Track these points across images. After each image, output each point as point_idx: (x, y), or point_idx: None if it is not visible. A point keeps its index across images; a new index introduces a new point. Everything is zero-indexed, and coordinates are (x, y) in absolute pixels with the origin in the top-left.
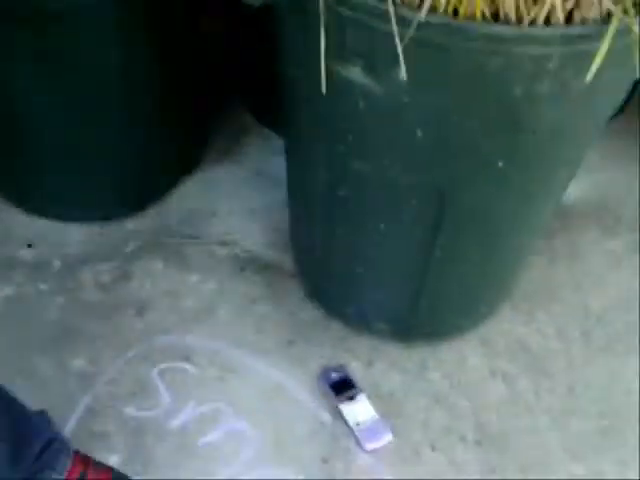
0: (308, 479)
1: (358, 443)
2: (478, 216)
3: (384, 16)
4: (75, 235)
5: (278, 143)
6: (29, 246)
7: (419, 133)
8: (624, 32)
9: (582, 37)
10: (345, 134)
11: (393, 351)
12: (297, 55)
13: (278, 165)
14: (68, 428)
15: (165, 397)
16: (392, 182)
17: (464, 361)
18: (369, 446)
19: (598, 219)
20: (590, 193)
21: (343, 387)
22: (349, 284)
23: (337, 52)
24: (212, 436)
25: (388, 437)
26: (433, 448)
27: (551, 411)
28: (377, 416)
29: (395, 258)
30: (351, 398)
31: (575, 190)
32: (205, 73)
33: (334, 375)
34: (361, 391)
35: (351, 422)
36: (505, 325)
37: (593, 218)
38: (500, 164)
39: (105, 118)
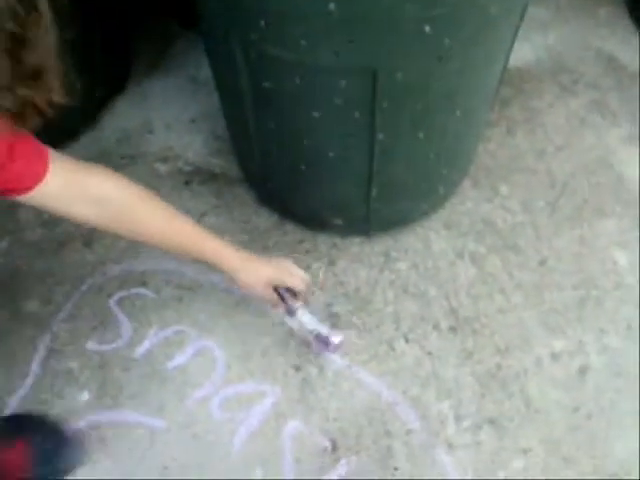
0: (283, 389)
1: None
2: (414, 89)
3: None
4: None
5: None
6: None
7: (332, 7)
8: None
9: None
10: (257, 20)
11: (354, 246)
12: None
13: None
14: (32, 372)
15: (126, 326)
16: (314, 65)
17: (429, 247)
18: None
19: (555, 80)
20: (544, 53)
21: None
22: (295, 183)
23: None
24: (179, 359)
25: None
26: (407, 340)
27: (524, 287)
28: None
29: (336, 146)
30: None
31: (527, 51)
32: None
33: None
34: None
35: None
36: (468, 204)
37: (549, 79)
38: (427, 29)
39: None
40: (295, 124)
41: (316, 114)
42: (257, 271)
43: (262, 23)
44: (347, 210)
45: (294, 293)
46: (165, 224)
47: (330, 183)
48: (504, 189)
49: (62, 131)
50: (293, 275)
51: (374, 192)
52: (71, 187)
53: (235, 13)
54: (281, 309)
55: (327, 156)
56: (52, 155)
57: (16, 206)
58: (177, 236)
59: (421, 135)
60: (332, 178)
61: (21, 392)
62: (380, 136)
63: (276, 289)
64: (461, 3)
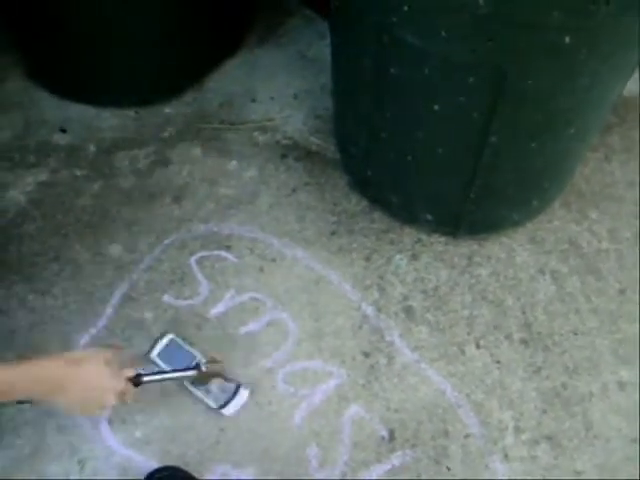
0: (349, 373)
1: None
2: (539, 98)
3: None
4: (109, 120)
5: (322, 26)
6: (63, 131)
7: (481, 2)
8: None
9: None
10: (400, 4)
11: (439, 244)
12: None
13: (322, 49)
14: (105, 315)
15: (204, 286)
16: (448, 58)
17: (512, 258)
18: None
19: None
20: None
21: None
22: (396, 172)
23: None
24: (252, 326)
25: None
26: (478, 345)
27: (600, 313)
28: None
29: (448, 143)
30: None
31: (635, 81)
32: None
33: None
34: None
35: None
36: (556, 222)
37: None
38: (567, 39)
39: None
40: (413, 114)
41: (436, 107)
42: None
43: (405, 8)
44: (441, 207)
45: None
46: None
47: (432, 178)
48: (593, 214)
49: (165, 86)
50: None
51: (473, 194)
52: None
53: (383, 5)
54: None
55: (436, 151)
56: None
57: (113, 151)
58: None
59: (534, 145)
60: (435, 173)
61: (92, 331)
62: (493, 139)
63: None
64: (608, 19)
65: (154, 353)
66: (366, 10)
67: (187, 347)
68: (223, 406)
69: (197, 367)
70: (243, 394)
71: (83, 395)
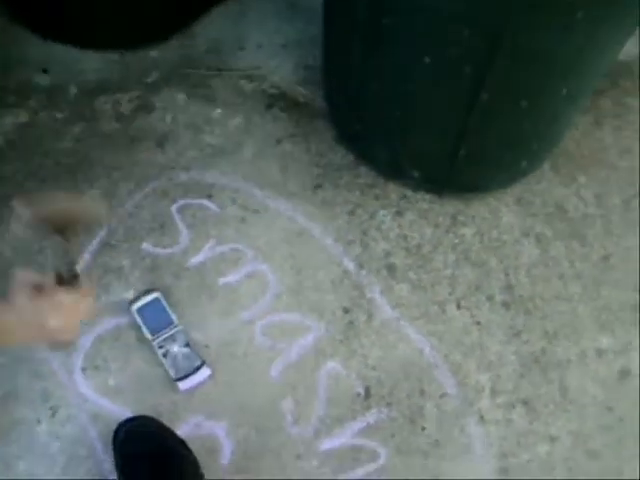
0: (328, 328)
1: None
2: (534, 56)
3: None
4: (93, 62)
5: None
6: (44, 71)
7: None
8: None
9: None
10: None
11: (424, 202)
12: None
13: None
14: (84, 260)
15: (184, 234)
16: (444, 9)
17: (498, 219)
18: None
19: None
20: None
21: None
22: (384, 127)
23: None
24: (232, 277)
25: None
26: (459, 306)
27: (583, 279)
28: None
29: (438, 98)
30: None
31: (631, 46)
32: None
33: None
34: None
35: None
36: (543, 185)
37: None
38: None
39: None
40: (403, 66)
41: (427, 60)
42: None
43: None
44: (428, 164)
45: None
46: None
47: (420, 133)
48: (582, 178)
49: (152, 29)
50: None
51: (462, 152)
52: None
53: None
54: None
55: (425, 106)
56: None
57: (95, 94)
58: None
59: (524, 104)
60: (424, 129)
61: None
62: (484, 96)
63: None
64: None
65: (135, 307)
66: None
67: (169, 310)
68: (180, 379)
69: (187, 345)
70: (204, 372)
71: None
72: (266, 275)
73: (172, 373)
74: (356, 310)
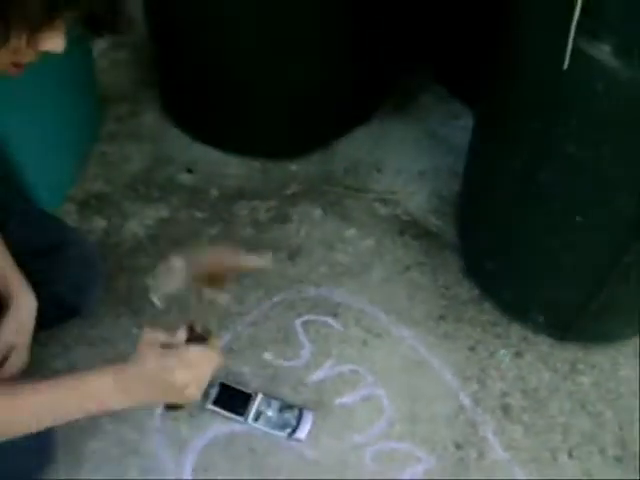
0: (439, 461)
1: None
2: None
3: None
4: (235, 168)
5: (454, 106)
6: (189, 171)
7: None
8: None
9: None
10: (569, 116)
11: (544, 345)
12: (533, 22)
13: (453, 129)
14: None
15: (306, 349)
16: (604, 174)
17: (616, 370)
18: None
19: None
20: None
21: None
22: (518, 271)
23: (588, 27)
24: (348, 398)
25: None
26: (570, 455)
27: None
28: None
29: (581, 255)
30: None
31: None
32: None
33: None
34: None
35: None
36: None
37: None
38: None
39: (292, 53)
40: (551, 221)
41: (579, 219)
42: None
43: (574, 121)
44: (555, 312)
45: None
46: None
47: (554, 284)
48: None
49: (295, 143)
50: None
51: (593, 305)
52: None
53: (549, 106)
54: None
55: (565, 261)
56: None
57: (235, 199)
58: None
59: None
60: (559, 281)
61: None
62: (628, 259)
63: None
64: None
65: (209, 403)
66: (529, 117)
67: (240, 388)
68: (293, 433)
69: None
70: (308, 416)
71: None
72: (382, 401)
73: (283, 434)
74: (468, 447)
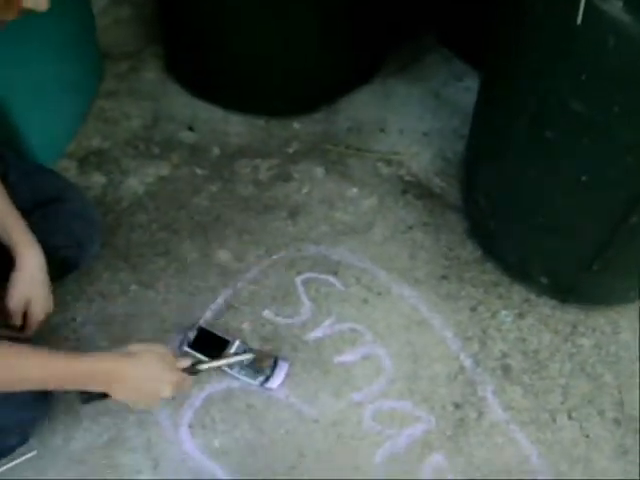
0: (438, 421)
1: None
2: None
3: None
4: (237, 126)
5: (459, 67)
6: (190, 129)
7: None
8: None
9: None
10: (579, 72)
11: (546, 307)
12: None
13: (457, 90)
14: (204, 319)
15: (306, 307)
16: (614, 132)
17: (617, 333)
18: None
19: None
20: None
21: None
22: (522, 232)
23: None
24: (347, 357)
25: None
26: (570, 416)
27: None
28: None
29: (585, 214)
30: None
31: None
32: None
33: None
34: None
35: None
36: None
37: None
38: None
39: (293, 10)
40: (557, 180)
41: (584, 178)
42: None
43: (583, 77)
44: (558, 273)
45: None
46: None
47: (558, 244)
48: None
49: (298, 101)
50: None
51: (595, 266)
52: None
53: (558, 61)
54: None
55: (570, 220)
56: None
57: (236, 157)
58: None
59: None
60: (563, 241)
61: (189, 334)
62: (633, 219)
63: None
64: None
65: (185, 345)
66: (535, 72)
67: (218, 333)
68: (265, 381)
69: (251, 350)
70: (283, 366)
71: (139, 386)
72: (382, 359)
73: (256, 382)
74: (467, 407)
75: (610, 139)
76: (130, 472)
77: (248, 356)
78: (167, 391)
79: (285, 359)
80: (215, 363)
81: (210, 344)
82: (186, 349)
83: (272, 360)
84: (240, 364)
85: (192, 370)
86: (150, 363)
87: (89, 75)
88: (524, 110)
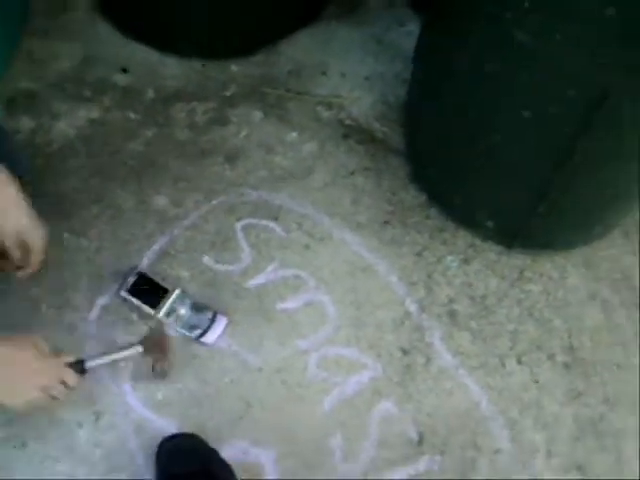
0: (385, 368)
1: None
2: (636, 124)
3: None
4: (173, 68)
5: (402, 12)
6: (124, 71)
7: (610, 10)
8: None
9: None
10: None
11: (492, 253)
12: None
13: (400, 36)
14: (140, 267)
15: (246, 254)
16: (554, 65)
17: (564, 279)
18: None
19: None
20: None
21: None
22: (465, 173)
23: None
24: (291, 304)
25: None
26: (519, 361)
27: None
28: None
29: (529, 153)
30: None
31: None
32: None
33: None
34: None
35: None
36: (612, 251)
37: None
38: None
39: None
40: (499, 117)
41: (526, 114)
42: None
43: (525, 4)
44: (504, 216)
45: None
46: None
47: (502, 185)
48: None
49: (236, 43)
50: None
51: (541, 208)
52: None
53: None
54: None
55: (513, 159)
56: None
57: (171, 101)
58: None
59: (615, 169)
60: (508, 181)
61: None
62: (576, 157)
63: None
64: None
65: (124, 290)
66: (475, 7)
67: (160, 282)
68: (201, 335)
69: (190, 298)
70: (221, 320)
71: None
72: (326, 306)
73: (192, 335)
74: (415, 353)
75: (553, 71)
76: (71, 426)
77: (138, 349)
78: (32, 392)
79: (224, 314)
80: (104, 359)
81: (149, 291)
82: (124, 294)
83: (211, 313)
84: (177, 315)
85: (79, 367)
86: (19, 354)
87: (15, 13)
88: (465, 46)
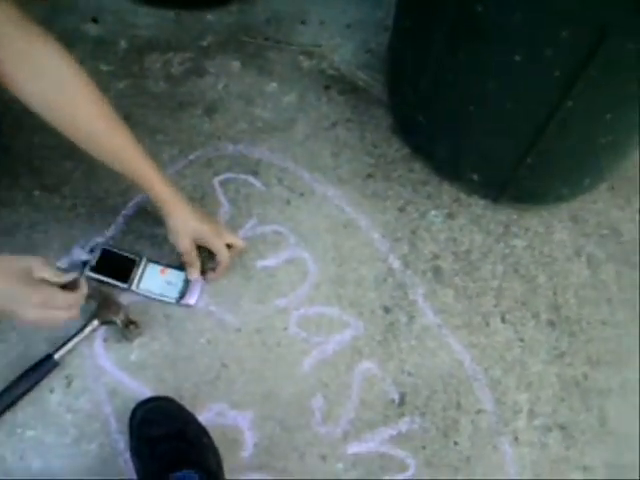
0: (367, 326)
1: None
2: (632, 68)
3: None
4: (147, 18)
5: None
6: (94, 21)
7: None
8: None
9: None
10: None
11: (477, 207)
12: None
13: None
14: (115, 225)
15: (225, 209)
16: (547, 3)
17: (550, 234)
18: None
19: None
20: None
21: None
22: (452, 122)
23: None
24: (270, 261)
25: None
26: (503, 319)
27: (631, 306)
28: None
29: (520, 100)
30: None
31: None
32: None
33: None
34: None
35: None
36: (599, 205)
37: None
38: None
39: None
40: (489, 62)
41: (518, 58)
42: (186, 220)
43: None
44: (490, 168)
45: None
46: (99, 119)
47: (490, 135)
48: (638, 203)
49: None
50: (221, 240)
51: (529, 160)
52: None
53: None
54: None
55: (503, 106)
56: None
57: (146, 51)
58: (110, 140)
59: (608, 117)
60: (496, 130)
61: (98, 239)
62: (569, 103)
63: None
64: None
65: (88, 270)
66: None
67: (126, 253)
68: (181, 298)
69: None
70: (197, 281)
71: None
72: (307, 263)
73: (171, 300)
74: (397, 311)
75: (546, 9)
76: (42, 391)
77: (94, 323)
78: (26, 313)
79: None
80: (67, 347)
81: (115, 265)
82: (89, 274)
83: (185, 274)
84: (152, 284)
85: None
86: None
87: None
88: None
